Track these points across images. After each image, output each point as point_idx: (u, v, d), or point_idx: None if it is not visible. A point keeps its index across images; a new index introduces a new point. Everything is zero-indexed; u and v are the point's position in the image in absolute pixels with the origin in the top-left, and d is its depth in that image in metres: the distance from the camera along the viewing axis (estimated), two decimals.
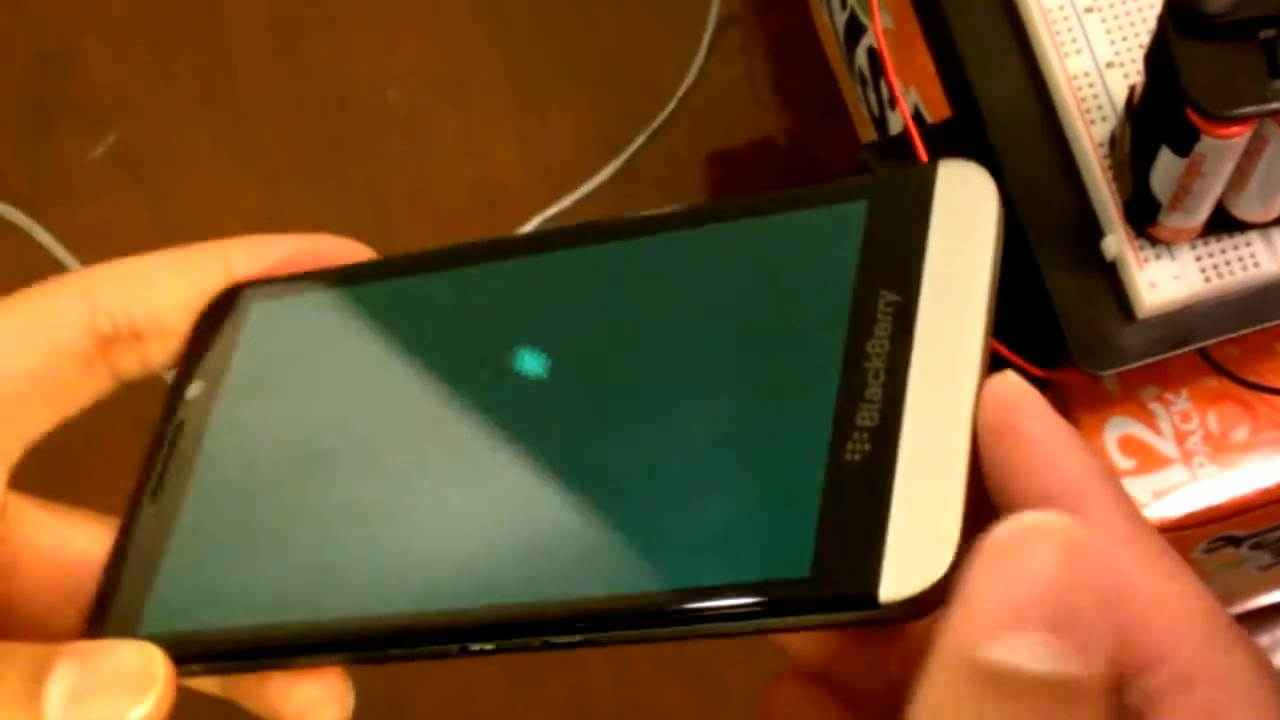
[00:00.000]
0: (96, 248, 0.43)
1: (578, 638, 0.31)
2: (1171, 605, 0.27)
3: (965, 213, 0.30)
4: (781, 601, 0.28)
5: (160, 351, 0.39)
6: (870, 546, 0.27)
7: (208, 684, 0.37)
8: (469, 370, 0.36)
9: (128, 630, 0.35)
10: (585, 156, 0.73)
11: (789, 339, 0.31)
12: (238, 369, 0.38)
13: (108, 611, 0.36)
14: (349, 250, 0.41)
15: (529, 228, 0.71)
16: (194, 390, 0.38)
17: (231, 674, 0.36)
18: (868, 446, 0.28)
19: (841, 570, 0.28)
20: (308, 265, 0.39)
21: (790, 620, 0.29)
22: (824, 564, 0.28)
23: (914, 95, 0.55)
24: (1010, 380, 0.29)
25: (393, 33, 0.77)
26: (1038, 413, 0.28)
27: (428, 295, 0.39)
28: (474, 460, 0.35)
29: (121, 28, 0.77)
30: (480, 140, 0.75)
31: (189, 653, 0.34)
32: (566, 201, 0.72)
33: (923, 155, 0.44)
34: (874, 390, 0.29)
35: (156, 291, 0.39)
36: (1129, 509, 0.28)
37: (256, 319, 0.39)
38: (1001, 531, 0.25)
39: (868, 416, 0.29)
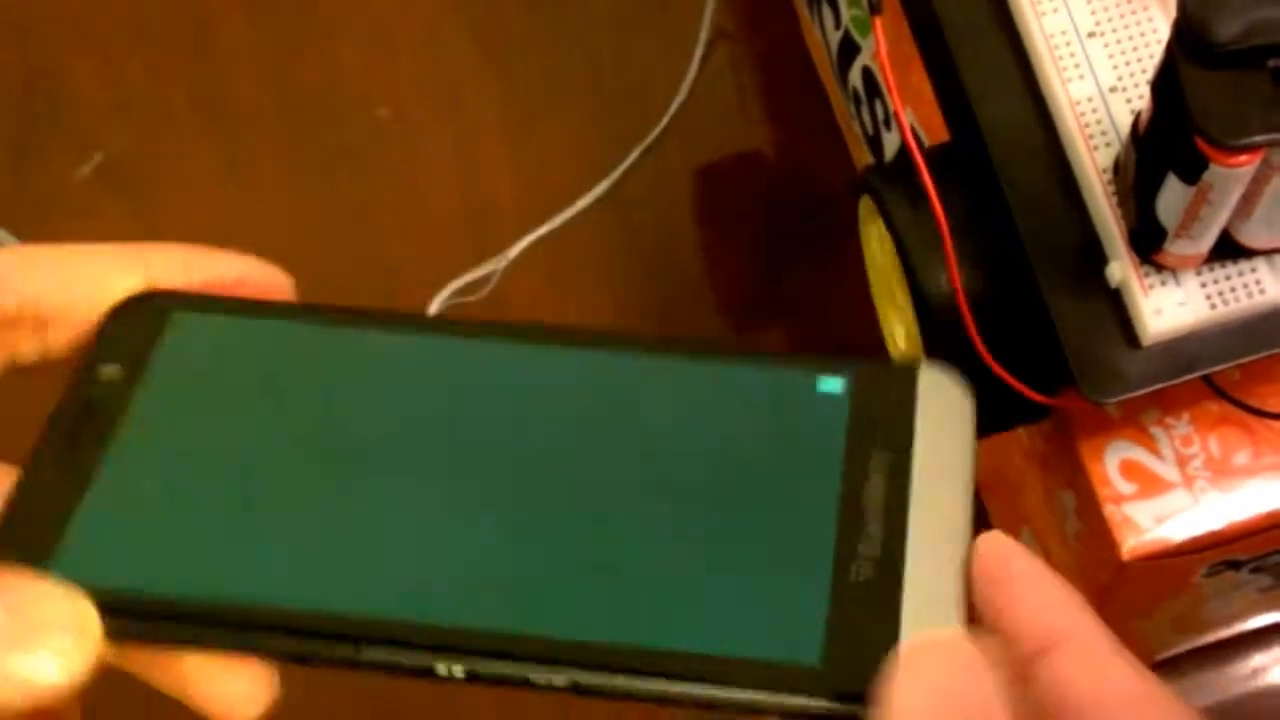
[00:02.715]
0: None
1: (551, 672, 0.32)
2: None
3: (944, 403, 0.34)
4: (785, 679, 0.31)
5: (60, 342, 0.38)
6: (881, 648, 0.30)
7: (107, 655, 0.35)
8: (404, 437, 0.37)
9: (39, 565, 0.34)
10: (576, 174, 0.73)
11: (783, 478, 0.34)
12: (151, 367, 0.38)
13: (13, 540, 0.35)
14: (271, 277, 0.40)
15: (520, 246, 0.71)
16: (106, 372, 0.38)
17: (152, 644, 0.34)
18: (872, 575, 0.32)
19: (852, 664, 0.30)
20: (227, 285, 0.39)
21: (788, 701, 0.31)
22: (834, 655, 0.31)
23: (910, 116, 0.55)
24: (999, 535, 0.32)
25: (386, 50, 0.77)
26: (1025, 556, 0.32)
27: (367, 352, 0.39)
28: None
29: (111, 44, 0.77)
30: (472, 158, 0.75)
31: (114, 607, 0.33)
32: (557, 220, 0.72)
33: (926, 179, 0.44)
34: (874, 528, 0.33)
35: (72, 281, 0.38)
36: (1107, 631, 0.31)
37: (177, 326, 0.39)
38: (904, 646, 0.30)
39: (869, 548, 0.32)
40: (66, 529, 0.35)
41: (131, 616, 0.33)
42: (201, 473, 0.37)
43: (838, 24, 0.63)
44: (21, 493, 0.35)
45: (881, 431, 0.34)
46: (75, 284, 0.38)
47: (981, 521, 0.33)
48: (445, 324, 0.42)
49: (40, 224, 0.72)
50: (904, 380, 0.35)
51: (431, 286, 0.71)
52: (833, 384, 0.35)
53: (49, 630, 0.32)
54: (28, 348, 0.38)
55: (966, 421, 0.34)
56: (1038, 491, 0.53)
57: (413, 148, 0.75)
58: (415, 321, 0.40)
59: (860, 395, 0.35)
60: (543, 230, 0.72)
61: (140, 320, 0.38)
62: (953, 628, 0.31)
